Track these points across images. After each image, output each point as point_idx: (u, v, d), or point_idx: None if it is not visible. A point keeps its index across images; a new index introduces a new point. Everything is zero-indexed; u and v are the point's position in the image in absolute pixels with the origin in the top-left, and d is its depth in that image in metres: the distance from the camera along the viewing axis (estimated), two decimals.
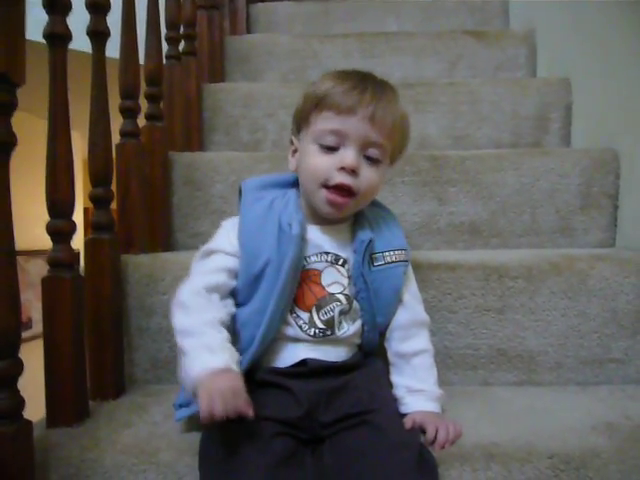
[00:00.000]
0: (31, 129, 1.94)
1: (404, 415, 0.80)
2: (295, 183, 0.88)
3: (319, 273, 0.83)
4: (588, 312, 1.00)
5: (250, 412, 0.67)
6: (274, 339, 0.81)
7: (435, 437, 0.76)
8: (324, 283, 0.83)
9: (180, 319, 0.79)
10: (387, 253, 0.86)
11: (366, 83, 0.81)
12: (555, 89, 1.55)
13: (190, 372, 0.71)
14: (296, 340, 0.81)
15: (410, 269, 0.90)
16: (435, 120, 1.55)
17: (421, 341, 0.87)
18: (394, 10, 2.26)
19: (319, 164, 0.80)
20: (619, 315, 1.00)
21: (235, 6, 2.17)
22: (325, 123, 0.80)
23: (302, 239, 0.81)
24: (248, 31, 2.22)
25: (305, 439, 0.73)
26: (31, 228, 2.24)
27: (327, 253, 0.83)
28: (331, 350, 0.82)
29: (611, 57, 1.33)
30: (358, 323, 0.85)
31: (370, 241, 0.83)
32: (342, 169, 0.78)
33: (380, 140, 0.80)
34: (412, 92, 1.55)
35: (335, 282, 0.83)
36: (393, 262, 0.86)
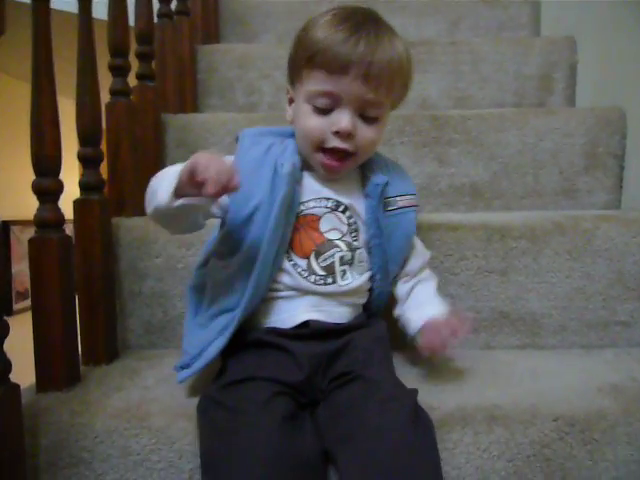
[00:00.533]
0: (21, 95, 1.90)
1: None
2: (293, 136, 0.84)
3: (317, 219, 0.80)
4: (593, 273, 0.97)
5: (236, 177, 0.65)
6: (273, 297, 0.78)
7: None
8: (322, 229, 0.79)
9: (147, 208, 0.75)
10: (399, 198, 0.83)
11: (360, 31, 0.73)
12: (559, 48, 1.51)
13: (167, 196, 0.69)
14: (297, 295, 0.78)
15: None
16: (436, 80, 1.50)
17: (432, 280, 0.89)
18: None
19: (313, 126, 0.76)
20: (625, 276, 0.97)
21: None
22: (317, 84, 0.75)
23: (296, 181, 0.77)
24: None
25: (304, 403, 0.71)
26: (26, 198, 2.21)
27: (327, 199, 0.80)
28: (334, 311, 0.79)
29: (618, 14, 1.28)
30: (366, 275, 0.82)
31: (385, 184, 0.80)
32: (337, 133, 0.75)
33: (377, 99, 0.74)
34: (412, 51, 1.47)
35: (334, 228, 0.80)
36: (406, 207, 0.83)
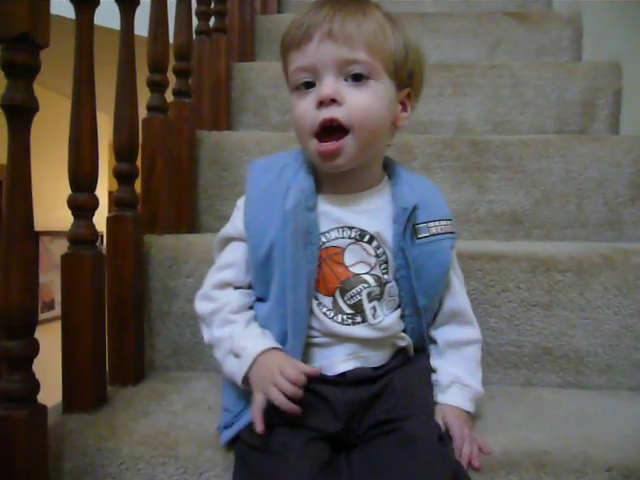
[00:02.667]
0: (58, 109, 1.91)
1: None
2: None
3: (341, 252, 0.71)
4: None
5: (309, 370, 0.65)
6: (308, 343, 0.71)
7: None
8: (347, 263, 0.71)
9: (203, 333, 0.76)
10: (432, 224, 0.74)
11: (322, 4, 0.68)
12: (604, 74, 1.47)
13: (236, 380, 0.70)
14: (332, 342, 0.71)
15: (454, 250, 0.78)
16: (474, 104, 1.47)
17: (473, 330, 0.79)
18: None
19: (300, 111, 0.69)
20: None
21: None
22: (292, 65, 0.70)
23: (309, 209, 0.69)
24: (279, 11, 2.16)
25: (339, 446, 0.67)
26: (55, 209, 2.22)
27: (350, 228, 0.71)
28: (373, 355, 0.72)
29: None
30: (397, 312, 0.75)
31: (414, 208, 0.72)
32: (321, 104, 0.67)
33: (353, 55, 0.66)
34: (451, 74, 1.48)
35: (360, 261, 0.71)
36: (439, 234, 0.74)
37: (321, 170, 0.73)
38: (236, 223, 0.75)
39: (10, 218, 0.68)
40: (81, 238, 0.81)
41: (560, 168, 1.18)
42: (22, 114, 0.68)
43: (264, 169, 0.76)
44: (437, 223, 0.74)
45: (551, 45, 1.75)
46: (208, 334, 0.74)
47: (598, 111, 1.45)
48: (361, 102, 0.67)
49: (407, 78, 0.73)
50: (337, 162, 0.69)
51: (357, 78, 0.67)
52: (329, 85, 0.66)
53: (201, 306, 0.76)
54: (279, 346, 0.69)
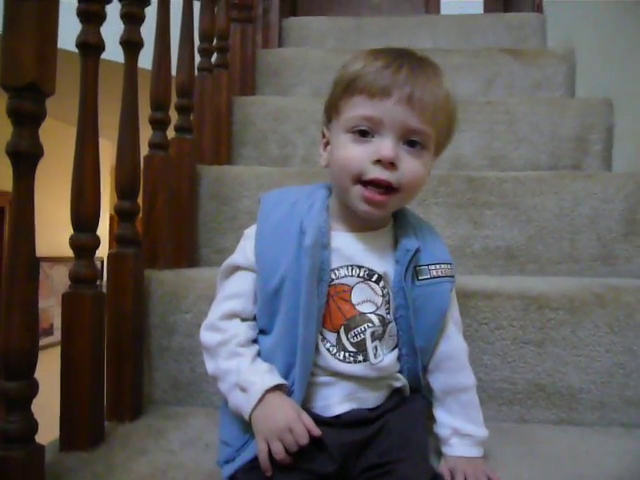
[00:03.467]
0: (61, 135, 1.95)
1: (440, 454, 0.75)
2: (323, 187, 0.80)
3: (349, 289, 0.72)
4: (635, 349, 0.93)
5: (316, 431, 0.66)
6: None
7: None
8: (354, 301, 0.72)
9: (207, 363, 0.76)
10: (433, 266, 0.75)
11: (401, 60, 0.69)
12: (596, 110, 1.50)
13: (242, 414, 0.70)
14: (331, 382, 0.72)
15: (454, 290, 0.80)
16: (471, 139, 1.50)
17: (469, 375, 0.79)
18: (428, 26, 2.23)
19: (351, 155, 0.70)
20: None
21: (268, 20, 2.16)
22: (356, 109, 0.70)
23: (324, 247, 0.71)
24: (280, 45, 2.22)
25: None
26: (56, 234, 2.24)
27: (360, 267, 0.73)
28: (369, 397, 0.73)
29: None
30: (395, 352, 0.76)
31: (417, 251, 0.73)
32: (378, 162, 0.68)
33: (421, 126, 0.68)
34: None
35: (367, 300, 0.73)
36: (439, 277, 0.75)
37: (348, 209, 0.74)
38: (247, 253, 0.76)
39: (13, 259, 0.70)
40: (82, 277, 0.83)
41: (553, 204, 1.20)
42: (27, 160, 0.70)
43: (276, 202, 0.77)
44: (438, 266, 0.76)
45: (546, 81, 1.79)
46: (213, 365, 0.74)
47: (591, 146, 1.48)
48: (413, 171, 0.70)
49: (441, 147, 0.76)
50: (379, 212, 0.72)
51: (413, 145, 0.70)
52: (391, 148, 0.68)
53: (207, 337, 0.76)
54: (285, 382, 0.70)
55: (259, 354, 0.74)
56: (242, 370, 0.71)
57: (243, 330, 0.74)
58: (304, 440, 0.65)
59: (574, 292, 0.96)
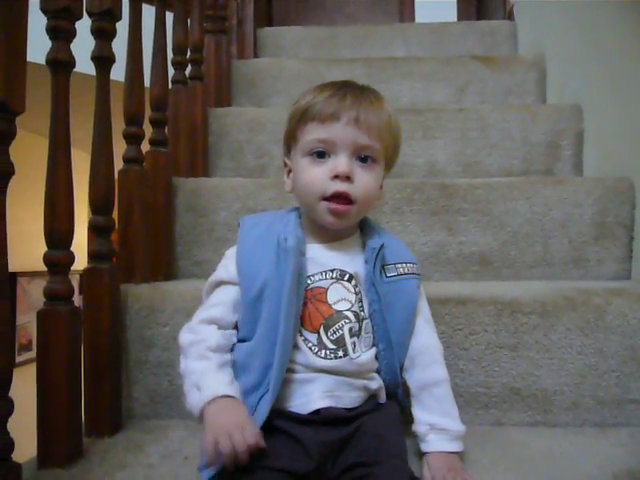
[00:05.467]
0: (35, 148, 1.93)
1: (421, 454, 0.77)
2: (294, 210, 0.87)
3: (324, 291, 0.79)
4: (606, 350, 0.95)
5: (261, 442, 0.67)
6: (287, 379, 0.75)
7: None
8: (330, 301, 0.78)
9: (180, 362, 0.79)
10: (399, 265, 0.83)
11: (345, 89, 0.80)
12: (566, 116, 1.53)
13: (193, 412, 0.72)
14: (309, 379, 0.76)
15: (422, 289, 0.87)
16: (444, 146, 1.52)
17: (441, 369, 0.83)
18: (402, 35, 2.26)
19: (313, 176, 0.78)
20: (638, 353, 0.95)
21: (243, 31, 2.17)
22: (311, 134, 0.79)
23: (301, 254, 0.78)
24: (255, 55, 2.23)
25: None
26: (34, 249, 2.22)
27: (332, 270, 0.80)
28: (346, 396, 0.76)
29: (623, 83, 1.31)
30: (373, 350, 0.80)
31: (381, 247, 0.81)
32: (336, 177, 0.77)
33: (369, 142, 0.78)
34: (421, 118, 1.53)
35: (342, 299, 0.79)
36: (406, 274, 0.83)
37: (317, 224, 0.82)
38: (228, 268, 0.82)
39: None
40: (57, 294, 0.83)
41: (525, 210, 1.23)
42: None
43: (254, 223, 0.86)
44: (404, 264, 0.84)
45: (517, 87, 1.82)
46: (183, 364, 0.78)
47: (562, 152, 1.50)
48: (366, 182, 0.79)
49: (391, 163, 0.85)
50: (343, 222, 0.80)
51: (365, 160, 0.79)
52: (346, 164, 0.77)
53: (183, 337, 0.80)
54: (242, 400, 0.73)
55: (235, 364, 0.77)
56: (205, 373, 0.74)
57: (216, 336, 0.78)
58: (253, 441, 0.66)
59: (546, 296, 0.98)
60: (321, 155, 0.78)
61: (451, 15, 2.92)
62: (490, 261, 1.23)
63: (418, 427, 0.80)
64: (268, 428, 0.72)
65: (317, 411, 0.74)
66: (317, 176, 0.78)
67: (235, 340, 0.80)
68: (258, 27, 2.31)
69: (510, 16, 2.37)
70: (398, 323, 0.81)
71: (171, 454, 0.85)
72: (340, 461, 0.71)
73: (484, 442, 0.89)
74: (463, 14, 2.94)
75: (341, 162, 0.77)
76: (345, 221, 0.80)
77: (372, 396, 0.81)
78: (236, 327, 0.81)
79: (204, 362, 0.75)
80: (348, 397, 0.77)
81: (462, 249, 1.22)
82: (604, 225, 1.22)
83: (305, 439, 0.71)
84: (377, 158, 0.80)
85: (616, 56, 1.34)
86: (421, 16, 2.97)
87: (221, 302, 0.81)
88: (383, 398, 0.82)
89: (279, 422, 0.73)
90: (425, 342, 0.84)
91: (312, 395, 0.75)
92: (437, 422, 0.79)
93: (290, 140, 0.84)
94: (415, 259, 0.87)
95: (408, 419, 0.82)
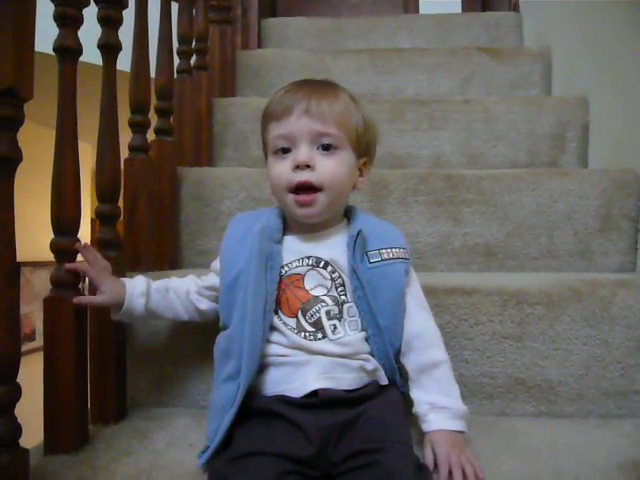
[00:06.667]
0: (41, 139, 1.93)
1: (422, 435, 0.77)
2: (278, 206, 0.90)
3: (301, 277, 0.82)
4: (611, 341, 0.95)
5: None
6: (280, 363, 0.77)
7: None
8: (307, 287, 0.81)
9: None
10: (384, 250, 0.84)
11: (301, 85, 0.83)
12: (572, 108, 1.52)
13: None
14: (303, 361, 0.77)
15: (413, 274, 0.87)
16: (449, 138, 1.52)
17: (439, 351, 0.83)
18: (407, 26, 2.25)
19: (279, 171, 0.82)
20: None
21: (247, 21, 2.16)
22: (272, 133, 0.82)
23: (275, 241, 0.83)
24: (260, 46, 2.22)
25: (316, 477, 0.69)
26: (37, 239, 2.22)
27: (308, 257, 0.83)
28: (344, 378, 0.77)
29: (629, 75, 1.30)
30: (362, 333, 0.81)
31: (359, 233, 0.82)
32: (297, 167, 0.79)
33: (325, 129, 0.80)
34: (426, 109, 1.53)
35: (319, 285, 0.82)
36: (391, 259, 0.84)
37: (294, 219, 0.84)
38: (216, 261, 0.89)
39: None
40: (63, 281, 0.83)
41: (531, 201, 1.22)
42: (6, 165, 0.69)
43: (241, 219, 0.90)
44: (389, 250, 0.85)
45: (522, 79, 1.82)
46: None
47: (568, 144, 1.50)
48: (329, 168, 0.81)
49: (364, 149, 0.86)
50: (312, 210, 0.81)
51: (327, 148, 0.81)
52: (304, 153, 0.80)
53: None
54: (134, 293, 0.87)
55: (221, 350, 0.82)
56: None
57: (182, 279, 0.91)
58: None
59: (551, 287, 0.98)
60: (285, 151, 0.81)
61: (456, 6, 2.91)
62: (495, 252, 1.23)
63: (418, 408, 0.80)
64: (267, 413, 0.73)
65: (315, 393, 0.75)
66: (282, 170, 0.81)
67: (197, 304, 0.89)
68: (262, 17, 2.30)
69: (515, 7, 2.36)
70: (385, 307, 0.82)
71: (176, 441, 0.86)
72: (343, 447, 0.71)
73: (488, 432, 0.89)
74: (468, 5, 2.92)
75: (300, 152, 0.80)
76: (314, 210, 0.81)
77: (373, 381, 0.80)
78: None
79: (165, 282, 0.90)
80: (345, 379, 0.77)
81: (467, 240, 1.22)
82: (609, 217, 1.22)
83: (305, 424, 0.71)
84: (339, 145, 0.81)
85: (622, 48, 1.33)
86: (425, 8, 2.95)
87: (201, 282, 0.90)
88: (383, 379, 0.82)
89: (278, 407, 0.73)
90: (420, 326, 0.84)
91: (308, 377, 0.76)
92: (437, 401, 0.79)
93: (264, 146, 0.88)
94: (404, 243, 0.87)
95: (409, 408, 0.82)
